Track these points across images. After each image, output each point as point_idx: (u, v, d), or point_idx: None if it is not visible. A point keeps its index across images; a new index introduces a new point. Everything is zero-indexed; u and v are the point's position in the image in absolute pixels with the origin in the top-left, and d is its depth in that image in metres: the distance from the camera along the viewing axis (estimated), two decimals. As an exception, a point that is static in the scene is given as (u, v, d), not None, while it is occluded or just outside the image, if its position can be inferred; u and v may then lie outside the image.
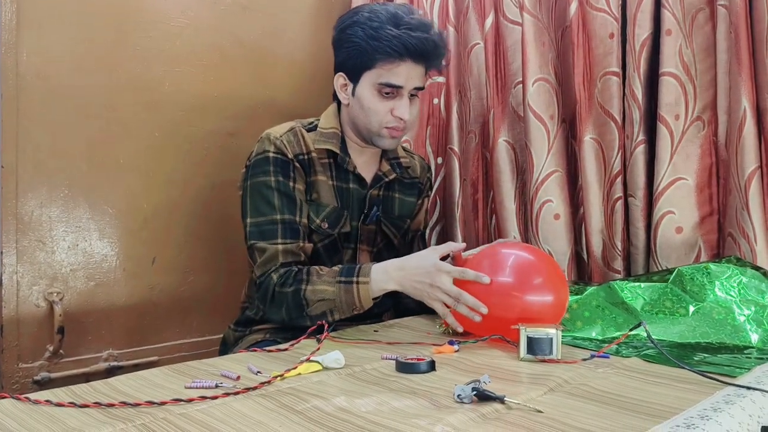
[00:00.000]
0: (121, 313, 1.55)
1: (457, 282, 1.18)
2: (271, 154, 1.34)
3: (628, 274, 1.50)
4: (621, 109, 1.50)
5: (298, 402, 0.83)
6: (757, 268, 1.21)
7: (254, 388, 0.88)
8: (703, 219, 1.41)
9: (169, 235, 1.63)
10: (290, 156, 1.34)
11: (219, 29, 1.70)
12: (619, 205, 1.50)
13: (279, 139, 1.35)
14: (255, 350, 1.12)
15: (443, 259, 1.23)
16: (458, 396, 0.82)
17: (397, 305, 1.52)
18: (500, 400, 0.81)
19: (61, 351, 1.45)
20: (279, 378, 0.92)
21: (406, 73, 1.32)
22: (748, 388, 0.87)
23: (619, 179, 1.50)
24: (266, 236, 1.30)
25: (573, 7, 1.53)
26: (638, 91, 1.45)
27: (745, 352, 1.07)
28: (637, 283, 1.25)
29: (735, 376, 0.92)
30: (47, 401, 0.82)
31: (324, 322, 1.18)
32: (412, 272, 1.22)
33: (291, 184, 1.33)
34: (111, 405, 0.81)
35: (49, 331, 1.43)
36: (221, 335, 1.51)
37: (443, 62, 1.40)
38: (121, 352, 1.55)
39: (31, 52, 1.39)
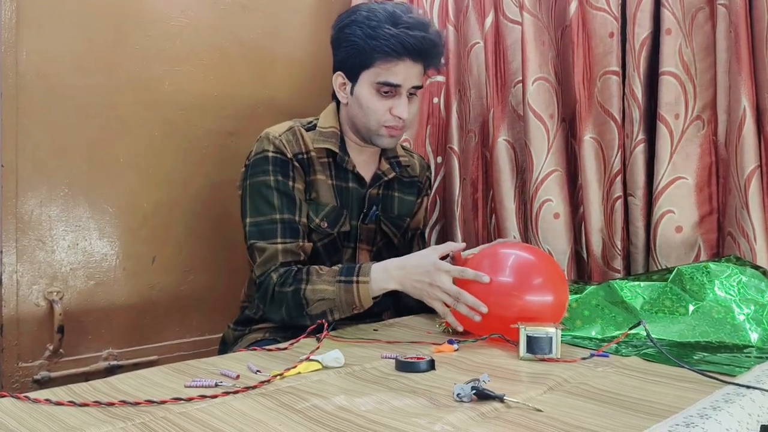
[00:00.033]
0: (121, 312, 1.55)
1: (457, 281, 1.18)
2: (270, 154, 1.34)
3: (628, 273, 1.50)
4: (621, 109, 1.50)
5: (298, 401, 0.83)
6: (757, 267, 1.22)
7: (254, 387, 0.88)
8: (703, 218, 1.41)
9: (169, 234, 1.63)
10: (289, 155, 1.34)
11: (219, 29, 1.70)
12: (619, 204, 1.50)
13: (278, 139, 1.35)
14: (255, 349, 1.12)
15: (443, 258, 1.23)
16: (458, 395, 0.82)
17: (397, 304, 1.52)
18: (500, 399, 0.81)
19: (61, 350, 1.45)
20: (279, 377, 0.92)
21: (405, 72, 1.32)
22: (748, 387, 0.87)
23: (619, 178, 1.50)
24: (266, 236, 1.30)
25: (573, 6, 1.53)
26: (638, 90, 1.45)
27: (744, 351, 1.07)
28: (636, 282, 1.25)
29: (734, 375, 0.92)
30: (47, 400, 0.82)
31: (324, 321, 1.18)
32: (412, 271, 1.22)
33: (290, 183, 1.33)
34: (111, 404, 0.81)
35: (49, 331, 1.44)
36: (221, 334, 1.51)
37: (442, 61, 1.40)
38: (121, 351, 1.55)
39: (31, 51, 1.39)
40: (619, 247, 1.50)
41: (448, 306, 1.19)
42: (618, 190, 1.50)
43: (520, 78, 1.62)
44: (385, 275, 1.24)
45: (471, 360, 1.04)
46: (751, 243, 1.29)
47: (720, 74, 1.37)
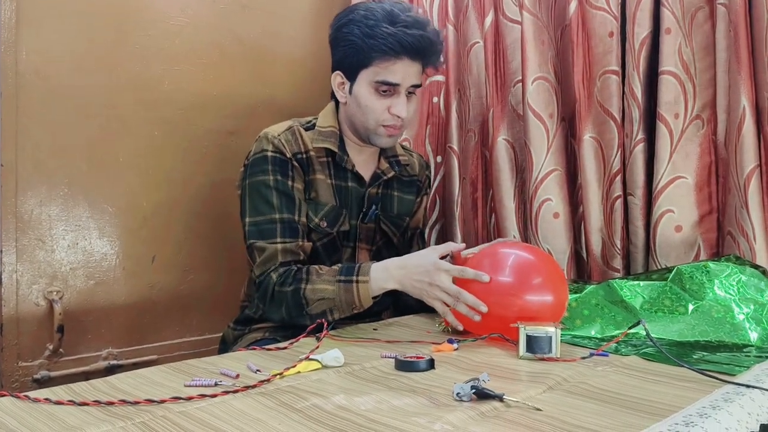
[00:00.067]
0: (121, 312, 1.55)
1: (457, 281, 1.18)
2: (269, 153, 1.34)
3: (628, 272, 1.50)
4: (620, 108, 1.50)
5: (298, 400, 0.83)
6: (756, 267, 1.22)
7: (254, 387, 0.88)
8: (703, 217, 1.41)
9: (168, 234, 1.63)
10: (288, 155, 1.34)
11: (218, 28, 1.70)
12: (619, 203, 1.50)
13: (277, 138, 1.34)
14: (254, 349, 1.12)
15: (443, 258, 1.23)
16: (457, 394, 0.82)
17: (397, 303, 1.52)
18: (499, 398, 0.81)
19: (60, 350, 1.45)
20: (278, 376, 0.92)
21: (403, 71, 1.31)
22: (747, 386, 0.87)
23: (619, 178, 1.50)
24: (265, 235, 1.30)
25: (572, 5, 1.52)
26: (638, 89, 1.45)
27: (744, 350, 1.08)
28: (636, 282, 1.25)
29: (734, 375, 0.92)
30: (47, 399, 0.82)
31: (323, 320, 1.18)
32: (411, 271, 1.22)
33: (289, 183, 1.33)
34: (110, 403, 0.81)
35: (48, 330, 1.44)
36: (221, 334, 1.51)
37: (440, 59, 1.40)
38: (121, 350, 1.55)
39: (31, 51, 1.39)
40: (619, 246, 1.50)
41: (448, 305, 1.19)
42: (618, 190, 1.50)
43: (520, 77, 1.62)
44: (385, 275, 1.24)
45: (470, 359, 1.04)
46: (751, 242, 1.29)
47: (719, 74, 1.37)
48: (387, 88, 1.32)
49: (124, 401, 0.81)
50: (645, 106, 1.46)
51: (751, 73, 1.30)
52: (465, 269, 1.17)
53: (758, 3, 1.30)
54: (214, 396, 0.84)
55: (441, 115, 1.87)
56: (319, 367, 0.98)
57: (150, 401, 0.81)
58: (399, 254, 1.36)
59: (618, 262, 1.50)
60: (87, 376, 1.45)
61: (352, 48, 1.32)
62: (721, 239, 1.40)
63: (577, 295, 1.27)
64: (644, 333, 1.04)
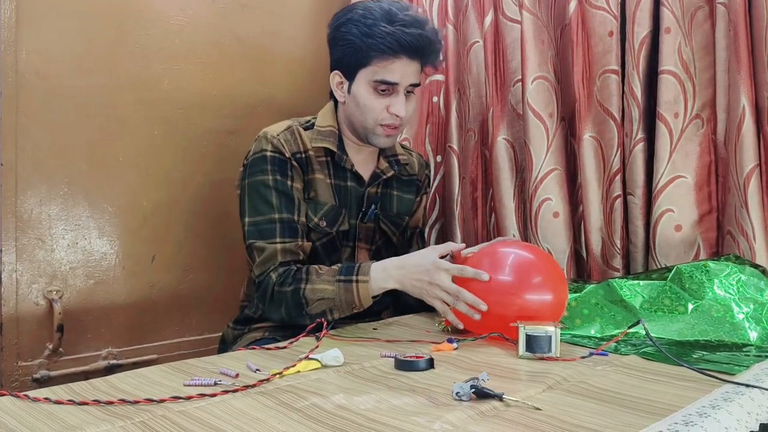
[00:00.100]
0: (121, 311, 1.55)
1: (457, 280, 1.18)
2: (268, 153, 1.33)
3: (627, 272, 1.50)
4: (620, 107, 1.50)
5: (297, 400, 0.83)
6: (756, 266, 1.22)
7: (253, 386, 0.88)
8: (702, 217, 1.41)
9: (168, 233, 1.63)
10: (288, 155, 1.34)
11: (218, 27, 1.70)
12: (618, 203, 1.50)
13: (276, 138, 1.34)
14: (254, 348, 1.12)
15: (443, 258, 1.23)
16: (457, 393, 0.82)
17: (397, 303, 1.52)
18: (499, 397, 0.81)
19: (60, 349, 1.45)
20: (278, 376, 0.92)
21: (402, 70, 1.31)
22: (747, 385, 0.87)
23: (618, 177, 1.50)
24: (265, 235, 1.30)
25: (572, 5, 1.52)
26: (637, 89, 1.45)
27: (743, 349, 1.08)
28: (636, 281, 1.25)
29: (734, 374, 0.92)
30: (46, 399, 0.82)
31: (323, 320, 1.18)
32: (411, 270, 1.22)
33: (289, 182, 1.33)
34: (110, 403, 0.81)
35: (48, 330, 1.44)
36: (220, 333, 1.51)
37: (439, 58, 1.39)
38: (121, 350, 1.55)
39: (31, 50, 1.39)
40: (619, 245, 1.50)
41: (448, 304, 1.19)
42: (617, 189, 1.50)
43: (520, 77, 1.62)
44: (385, 274, 1.24)
45: (470, 359, 1.04)
46: (751, 242, 1.29)
47: (719, 73, 1.37)
48: (386, 88, 1.32)
49: (123, 401, 0.81)
50: (645, 105, 1.46)
51: (751, 72, 1.30)
52: (464, 268, 1.17)
53: (758, 2, 1.30)
54: (213, 395, 0.84)
55: (441, 114, 1.87)
56: (318, 367, 0.98)
57: (150, 401, 0.81)
58: (398, 254, 1.36)
59: (618, 262, 1.50)
60: (87, 375, 1.45)
61: (350, 47, 1.32)
62: (721, 239, 1.40)
63: (577, 294, 1.27)
64: (644, 332, 1.04)
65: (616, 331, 1.19)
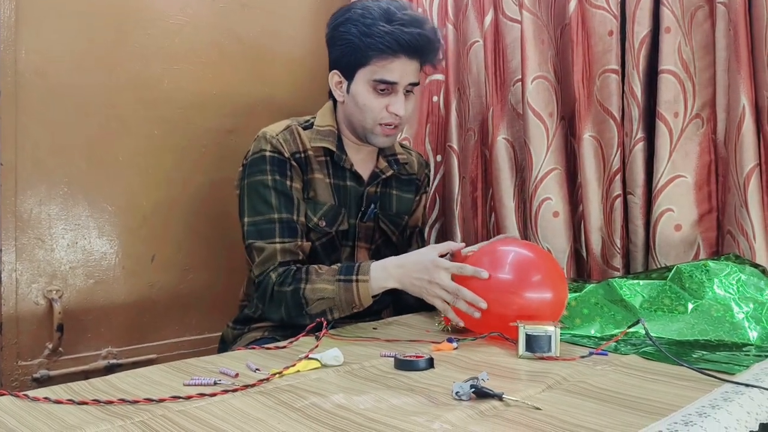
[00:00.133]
0: (121, 311, 1.55)
1: (457, 278, 1.18)
2: (267, 153, 1.33)
3: (627, 271, 1.50)
4: (620, 107, 1.50)
5: (297, 399, 0.83)
6: (756, 266, 1.22)
7: (253, 386, 0.88)
8: (702, 216, 1.41)
9: (168, 233, 1.63)
10: (287, 155, 1.34)
11: (218, 27, 1.70)
12: (618, 202, 1.50)
13: (275, 138, 1.34)
14: (254, 348, 1.12)
15: (442, 257, 1.23)
16: (456, 393, 0.82)
17: (397, 302, 1.52)
18: (498, 397, 0.81)
19: (60, 349, 1.45)
20: (278, 375, 0.92)
21: (401, 69, 1.31)
22: (747, 385, 0.87)
23: (618, 177, 1.50)
24: (264, 235, 1.30)
25: (572, 4, 1.52)
26: (637, 88, 1.45)
27: (743, 349, 1.07)
28: (636, 281, 1.25)
29: (733, 374, 0.92)
30: (46, 398, 0.82)
31: (323, 320, 1.18)
32: (410, 269, 1.22)
33: (288, 182, 1.33)
34: (110, 402, 0.81)
35: (48, 329, 1.44)
36: (220, 333, 1.51)
37: (438, 57, 1.39)
38: (120, 349, 1.55)
39: (30, 50, 1.39)
40: (619, 245, 1.50)
41: (448, 303, 1.19)
42: (617, 189, 1.50)
43: (520, 76, 1.62)
44: (385, 274, 1.24)
45: (470, 358, 1.04)
46: (750, 241, 1.29)
47: (719, 73, 1.37)
48: (385, 87, 1.32)
49: (123, 400, 0.81)
50: (644, 104, 1.46)
51: (751, 72, 1.30)
52: (464, 266, 1.17)
53: (758, 2, 1.30)
54: (213, 395, 0.84)
55: (441, 114, 1.87)
56: (318, 366, 0.98)
57: (149, 400, 0.81)
58: (398, 253, 1.36)
59: (618, 261, 1.50)
60: (86, 375, 1.45)
61: (349, 47, 1.32)
62: (721, 238, 1.40)
63: (577, 294, 1.27)
64: (644, 332, 1.04)
65: (616, 331, 1.19)
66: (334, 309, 1.24)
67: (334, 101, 1.43)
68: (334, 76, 1.38)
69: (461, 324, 1.20)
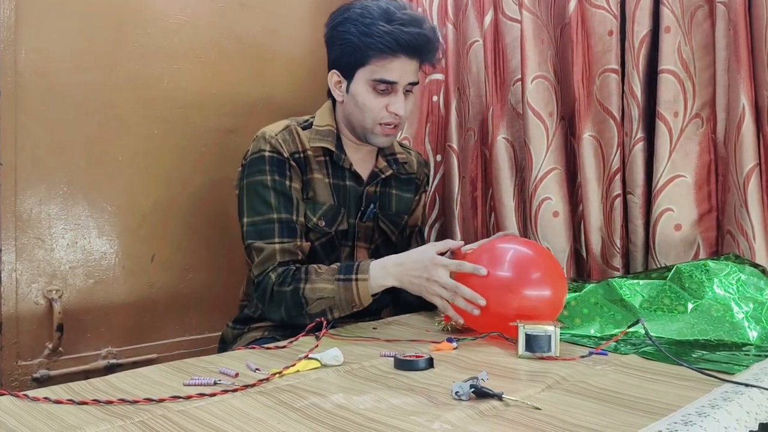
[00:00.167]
0: (120, 311, 1.55)
1: (456, 276, 1.18)
2: (266, 153, 1.33)
3: (627, 271, 1.50)
4: (620, 107, 1.50)
5: (297, 399, 0.83)
6: (756, 266, 1.22)
7: (253, 386, 0.88)
8: (702, 216, 1.41)
9: (167, 233, 1.63)
10: (286, 155, 1.34)
11: (217, 26, 1.70)
12: (618, 202, 1.50)
13: (274, 138, 1.34)
14: (253, 348, 1.12)
15: (442, 255, 1.23)
16: (456, 393, 0.82)
17: (397, 300, 1.52)
18: (498, 397, 0.81)
19: (60, 348, 1.45)
20: (277, 375, 0.92)
21: (401, 69, 1.31)
22: (747, 385, 0.87)
23: (618, 176, 1.50)
24: (263, 236, 1.30)
25: (572, 4, 1.52)
26: (637, 88, 1.45)
27: (743, 349, 1.08)
28: (635, 281, 1.25)
29: (733, 374, 0.92)
30: (46, 398, 0.82)
31: (323, 320, 1.18)
32: (409, 267, 1.22)
33: (287, 182, 1.33)
34: (109, 402, 0.81)
35: (48, 329, 1.44)
36: (220, 333, 1.51)
37: (438, 56, 1.39)
38: (120, 349, 1.55)
39: (30, 49, 1.39)
40: (618, 245, 1.50)
41: (447, 300, 1.19)
42: (617, 189, 1.50)
43: (519, 76, 1.62)
44: (384, 272, 1.24)
45: (470, 358, 1.04)
46: (750, 241, 1.29)
47: (719, 72, 1.37)
48: (385, 87, 1.32)
49: (123, 400, 0.81)
50: (644, 104, 1.46)
51: (751, 71, 1.30)
52: (462, 263, 1.17)
53: (758, 2, 1.30)
54: (213, 395, 0.84)
55: (440, 113, 1.87)
56: (318, 366, 0.98)
57: (149, 400, 0.81)
58: (397, 252, 1.36)
59: (617, 261, 1.50)
60: (86, 375, 1.45)
61: (348, 47, 1.31)
62: (721, 238, 1.40)
63: (577, 293, 1.27)
64: (643, 332, 1.04)
65: (616, 331, 1.19)
66: (334, 308, 1.24)
67: (333, 101, 1.43)
68: (333, 76, 1.38)
69: (461, 321, 1.20)
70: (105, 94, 1.50)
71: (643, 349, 1.07)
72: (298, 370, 0.95)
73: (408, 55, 1.31)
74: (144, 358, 1.57)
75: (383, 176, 1.46)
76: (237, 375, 0.93)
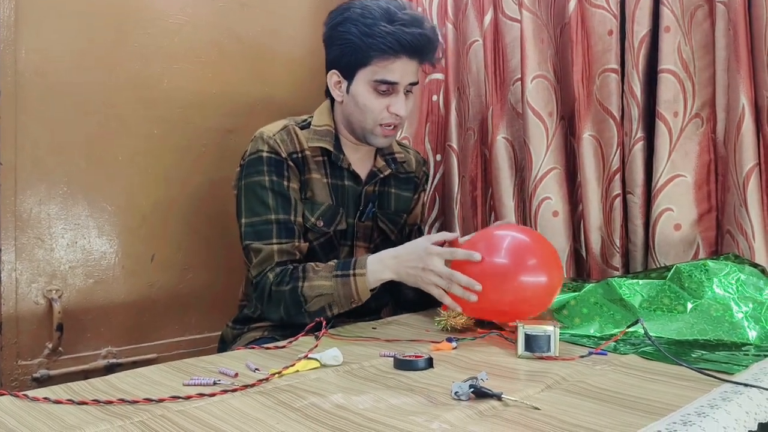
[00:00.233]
0: (120, 311, 1.55)
1: (452, 265, 1.18)
2: (264, 154, 1.33)
3: (627, 271, 1.50)
4: (620, 106, 1.50)
5: (296, 399, 0.83)
6: (755, 265, 1.21)
7: (252, 386, 0.88)
8: (702, 216, 1.41)
9: (167, 232, 1.63)
10: (284, 155, 1.34)
11: (217, 26, 1.70)
12: (618, 202, 1.50)
13: (272, 138, 1.34)
14: (253, 347, 1.12)
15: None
16: (455, 393, 0.82)
17: (397, 298, 1.52)
18: (497, 397, 0.81)
19: (60, 348, 1.45)
20: (277, 375, 0.92)
21: (402, 69, 1.31)
22: (746, 385, 0.87)
23: (618, 176, 1.50)
24: (261, 236, 1.30)
25: (572, 4, 1.52)
26: (637, 88, 1.45)
27: (742, 349, 1.08)
28: (635, 280, 1.25)
29: (732, 373, 0.93)
30: (46, 398, 0.82)
31: (323, 318, 1.18)
32: (404, 258, 1.22)
33: (285, 183, 1.33)
34: (109, 402, 0.81)
35: (48, 329, 1.44)
36: (220, 333, 1.51)
37: (437, 56, 1.39)
38: (120, 349, 1.55)
39: (30, 49, 1.39)
40: (618, 245, 1.50)
41: (444, 290, 1.19)
42: (617, 188, 1.50)
43: (519, 76, 1.62)
44: (381, 266, 1.24)
45: (469, 358, 1.04)
46: (750, 241, 1.29)
47: (719, 72, 1.37)
48: (386, 87, 1.32)
49: (122, 400, 0.81)
50: (644, 104, 1.46)
51: (751, 71, 1.30)
52: (455, 250, 1.18)
53: (758, 2, 1.30)
54: (212, 395, 0.84)
55: (440, 113, 1.87)
56: (317, 366, 0.98)
57: (149, 400, 0.81)
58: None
59: (617, 261, 1.50)
60: (86, 374, 1.45)
61: (349, 47, 1.31)
62: (720, 238, 1.40)
63: (576, 293, 1.27)
64: (643, 331, 1.04)
65: (615, 331, 1.19)
66: (333, 305, 1.24)
67: (332, 100, 1.43)
68: (333, 76, 1.38)
69: (458, 309, 1.20)
70: (105, 94, 1.51)
71: (642, 349, 1.07)
72: (297, 370, 0.95)
73: (409, 56, 1.31)
74: (144, 357, 1.57)
75: (382, 176, 1.46)
76: (236, 375, 0.93)
